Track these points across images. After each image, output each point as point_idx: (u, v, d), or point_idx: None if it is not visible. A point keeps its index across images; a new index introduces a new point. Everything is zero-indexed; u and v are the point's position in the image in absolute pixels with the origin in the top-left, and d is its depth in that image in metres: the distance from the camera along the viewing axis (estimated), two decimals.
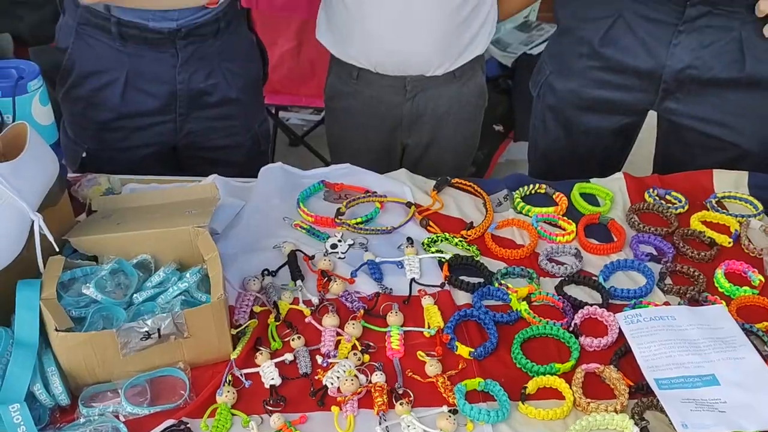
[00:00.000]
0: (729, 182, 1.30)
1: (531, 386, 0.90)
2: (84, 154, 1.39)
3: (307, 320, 1.00)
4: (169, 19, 1.28)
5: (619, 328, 0.98)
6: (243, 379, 0.91)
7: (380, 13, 1.43)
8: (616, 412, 0.87)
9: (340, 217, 1.19)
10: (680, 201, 1.26)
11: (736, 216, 1.22)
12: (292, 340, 0.96)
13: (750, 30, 1.25)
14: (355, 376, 0.90)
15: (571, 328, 0.99)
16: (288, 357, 0.94)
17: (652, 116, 1.48)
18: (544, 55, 1.52)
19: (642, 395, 0.90)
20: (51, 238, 0.93)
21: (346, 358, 0.94)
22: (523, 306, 1.02)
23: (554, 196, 1.27)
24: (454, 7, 1.43)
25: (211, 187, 1.13)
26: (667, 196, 1.28)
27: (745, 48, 1.26)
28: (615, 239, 1.17)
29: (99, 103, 1.34)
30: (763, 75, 1.28)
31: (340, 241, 1.15)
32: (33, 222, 0.91)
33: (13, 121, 1.08)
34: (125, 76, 1.32)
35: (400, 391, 0.89)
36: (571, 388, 0.90)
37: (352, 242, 1.15)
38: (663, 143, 1.50)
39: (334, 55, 1.59)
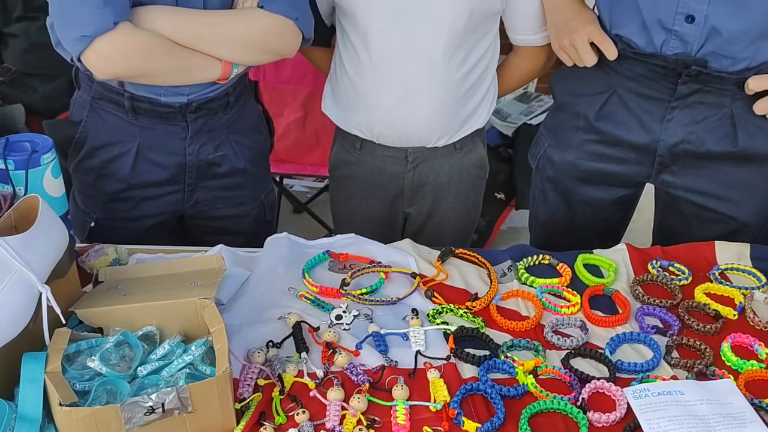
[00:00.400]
0: (731, 254, 1.31)
1: None
2: (92, 224, 1.40)
3: (311, 393, 0.99)
4: (181, 94, 1.31)
5: (628, 403, 0.97)
6: None
7: (383, 87, 1.48)
8: None
9: (345, 288, 1.19)
10: (683, 273, 1.27)
11: (740, 288, 1.22)
12: (297, 414, 0.95)
13: (741, 106, 1.28)
14: None
15: (579, 403, 0.98)
16: None
17: (650, 186, 1.50)
18: (542, 129, 1.56)
19: None
20: (58, 311, 0.93)
21: None
22: (530, 380, 1.01)
23: (558, 267, 1.28)
24: (455, 82, 1.47)
25: (218, 257, 1.14)
26: (670, 267, 1.29)
27: (737, 123, 1.29)
28: (620, 311, 1.17)
29: (110, 174, 1.37)
30: (756, 150, 1.31)
31: (344, 312, 1.16)
32: (41, 294, 0.91)
33: (26, 193, 1.10)
34: (136, 147, 1.35)
35: None
36: None
37: (357, 313, 1.16)
38: (661, 215, 1.52)
39: (339, 127, 1.63)
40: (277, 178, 2.63)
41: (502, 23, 1.52)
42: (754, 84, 1.24)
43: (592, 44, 1.35)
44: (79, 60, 1.18)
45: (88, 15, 1.12)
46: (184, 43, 1.23)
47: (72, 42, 1.16)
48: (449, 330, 1.11)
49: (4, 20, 2.17)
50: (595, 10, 1.41)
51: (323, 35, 1.56)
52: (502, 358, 1.06)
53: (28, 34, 2.14)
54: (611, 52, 1.33)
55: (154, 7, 1.21)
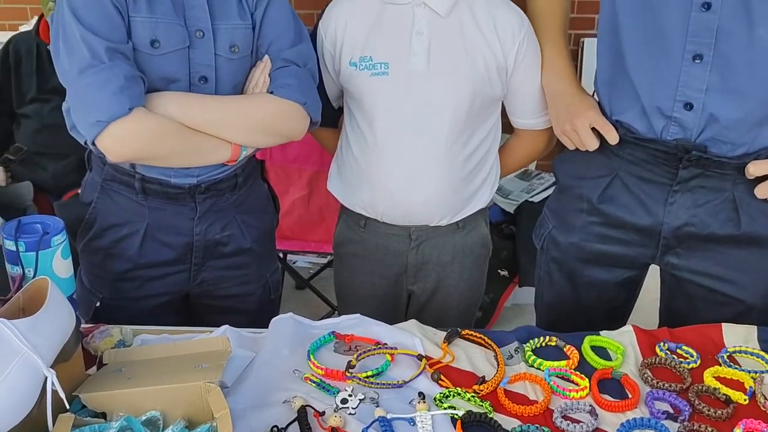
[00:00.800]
0: (739, 336, 1.30)
1: None
2: (98, 304, 1.40)
3: None
4: (191, 175, 1.34)
5: None
6: None
7: (388, 168, 1.51)
8: None
9: (350, 371, 1.18)
10: (692, 355, 1.26)
11: (750, 372, 1.21)
12: None
13: (742, 190, 1.30)
14: None
15: None
16: None
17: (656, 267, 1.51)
18: (545, 210, 1.58)
19: None
20: (63, 395, 0.92)
21: None
22: None
23: (565, 349, 1.27)
24: (458, 164, 1.51)
25: (223, 339, 1.13)
26: (678, 350, 1.28)
27: (739, 207, 1.31)
28: (629, 395, 1.16)
29: (117, 253, 1.38)
30: (759, 233, 1.32)
31: (350, 395, 1.14)
32: (46, 378, 0.91)
33: (35, 274, 1.11)
34: (145, 228, 1.36)
35: None
36: None
37: (362, 397, 1.14)
38: (667, 297, 1.52)
39: (344, 205, 1.65)
40: (281, 255, 2.64)
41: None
42: (753, 169, 1.26)
43: (593, 129, 1.39)
44: (93, 143, 1.22)
45: (106, 101, 1.16)
46: (196, 126, 1.26)
47: (88, 126, 1.19)
48: (457, 415, 1.09)
49: (18, 101, 2.23)
50: (595, 96, 1.45)
51: (330, 117, 1.60)
52: None
53: (41, 115, 2.20)
54: (612, 137, 1.36)
55: (168, 93, 1.25)
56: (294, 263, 2.93)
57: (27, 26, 2.81)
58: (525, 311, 2.72)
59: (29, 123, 2.22)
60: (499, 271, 2.69)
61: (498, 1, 1.48)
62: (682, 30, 1.23)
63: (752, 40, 1.19)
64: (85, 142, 1.26)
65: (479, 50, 1.44)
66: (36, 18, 2.41)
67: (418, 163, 1.49)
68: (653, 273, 1.56)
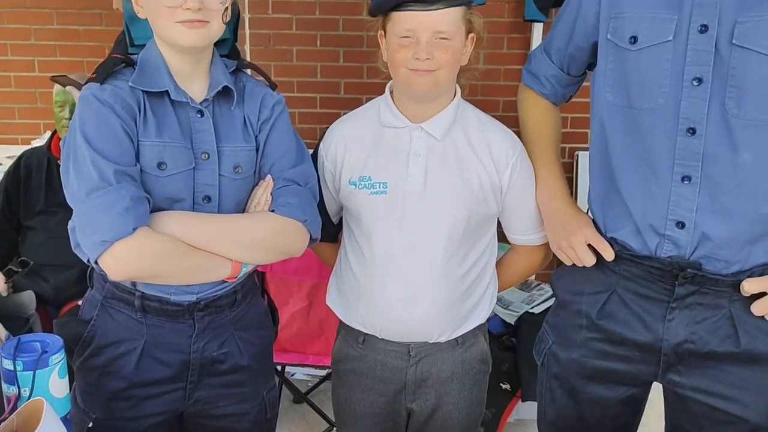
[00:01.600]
0: None
1: None
2: (90, 425, 1.37)
3: None
4: (190, 292, 1.35)
5: None
6: None
7: (386, 284, 1.52)
8: None
9: None
10: None
11: None
12: None
13: (739, 307, 1.31)
14: None
15: None
16: None
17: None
18: (545, 326, 1.57)
19: None
20: None
21: None
22: None
23: None
24: (455, 281, 1.52)
25: None
26: None
27: (737, 324, 1.31)
28: None
29: (113, 371, 1.36)
30: (759, 351, 1.31)
31: None
32: None
33: (31, 394, 1.10)
34: (142, 345, 1.36)
35: None
36: None
37: None
38: (672, 415, 1.48)
39: (342, 321, 1.65)
40: (279, 367, 2.60)
41: None
42: (749, 286, 1.27)
43: (589, 245, 1.41)
44: (96, 262, 1.23)
45: (111, 222, 1.19)
46: (198, 245, 1.29)
47: (92, 246, 1.21)
48: None
49: (25, 214, 2.27)
50: (589, 213, 1.49)
51: (330, 232, 1.63)
52: None
53: (47, 227, 2.23)
54: (608, 254, 1.38)
55: (171, 213, 1.29)
56: (292, 375, 2.88)
57: (40, 141, 2.92)
58: (529, 427, 2.64)
59: (35, 235, 2.25)
60: (501, 384, 2.63)
61: (491, 125, 1.55)
62: (670, 153, 1.28)
63: (737, 163, 1.24)
64: (88, 261, 1.28)
65: (474, 171, 1.50)
66: (49, 133, 2.51)
67: (415, 280, 1.51)
68: (658, 389, 1.53)
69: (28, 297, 2.14)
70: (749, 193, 1.25)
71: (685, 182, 1.28)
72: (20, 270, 2.05)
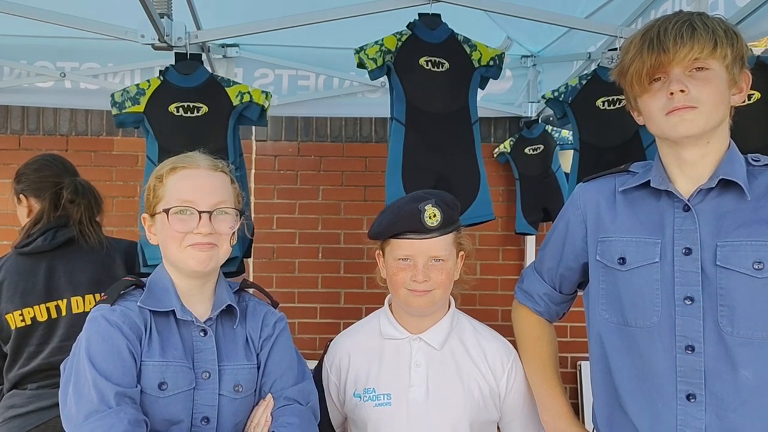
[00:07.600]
0: None
1: None
2: None
3: None
4: None
5: None
6: None
7: None
8: None
9: None
10: None
11: None
12: None
13: None
14: None
15: None
16: None
17: None
18: None
19: None
20: None
21: None
22: None
23: None
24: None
25: None
26: None
27: None
28: None
29: None
30: None
31: None
32: None
33: None
34: None
35: None
36: None
37: None
38: None
39: None
40: None
41: None
42: None
43: None
44: None
45: None
46: None
47: None
48: None
49: None
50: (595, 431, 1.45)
51: None
52: None
53: None
54: None
55: None
56: None
57: None
58: None
59: None
60: None
61: (485, 333, 1.61)
62: (671, 370, 1.28)
63: (738, 380, 1.23)
64: None
65: (473, 378, 1.53)
66: None
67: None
68: None
69: None
70: (755, 412, 1.23)
71: (691, 400, 1.26)
72: None
